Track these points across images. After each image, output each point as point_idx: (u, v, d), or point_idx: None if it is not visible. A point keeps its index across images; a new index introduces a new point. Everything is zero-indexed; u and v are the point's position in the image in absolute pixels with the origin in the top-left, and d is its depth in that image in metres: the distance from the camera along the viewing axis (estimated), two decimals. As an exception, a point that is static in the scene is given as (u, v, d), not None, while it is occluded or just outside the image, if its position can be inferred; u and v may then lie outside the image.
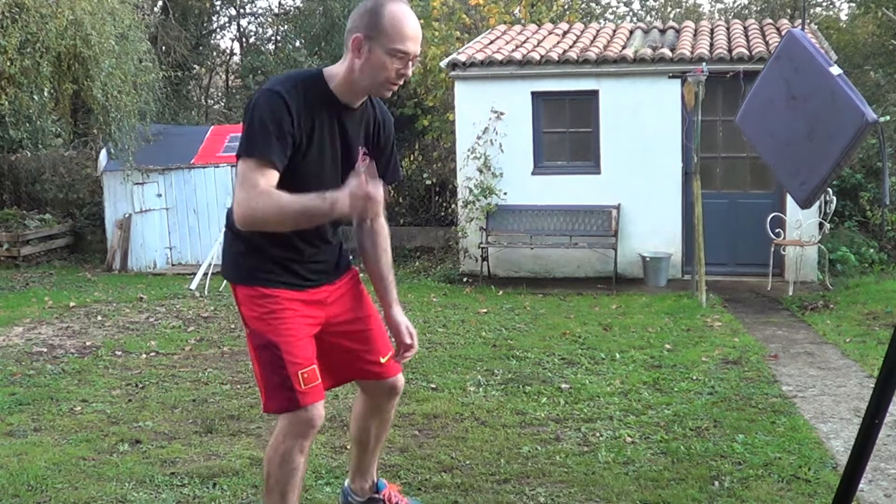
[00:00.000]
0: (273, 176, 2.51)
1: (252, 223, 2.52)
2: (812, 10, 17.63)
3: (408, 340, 2.91)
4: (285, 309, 2.70)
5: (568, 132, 10.52)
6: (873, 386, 2.35)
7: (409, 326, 2.93)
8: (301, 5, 19.97)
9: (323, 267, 2.82)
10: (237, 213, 2.52)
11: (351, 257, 3.00)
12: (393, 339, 2.98)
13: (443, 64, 10.88)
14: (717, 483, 3.70)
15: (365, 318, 2.92)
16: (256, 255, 2.71)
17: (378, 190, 2.36)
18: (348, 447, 4.20)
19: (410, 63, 2.58)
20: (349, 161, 2.70)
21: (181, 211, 11.90)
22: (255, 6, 22.79)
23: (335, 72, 2.65)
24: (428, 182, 12.89)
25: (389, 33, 2.52)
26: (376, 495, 3.20)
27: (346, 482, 3.27)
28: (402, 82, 2.64)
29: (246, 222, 2.52)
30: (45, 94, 10.56)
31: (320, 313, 2.80)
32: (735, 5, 20.66)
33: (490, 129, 10.28)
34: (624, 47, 10.48)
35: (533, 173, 10.35)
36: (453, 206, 10.83)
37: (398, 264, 11.51)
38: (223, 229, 2.87)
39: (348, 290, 2.92)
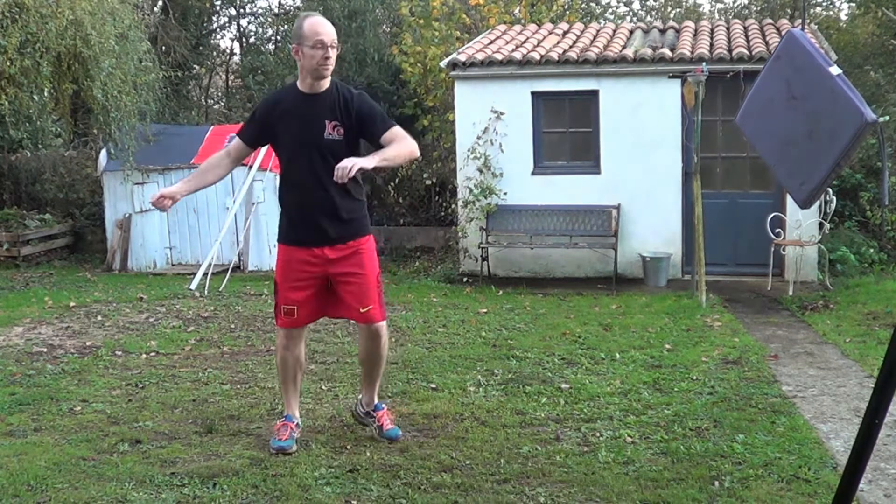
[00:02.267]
0: (239, 144, 4.22)
1: None
2: (812, 10, 17.62)
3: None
4: (287, 261, 4.14)
5: (568, 132, 10.52)
6: (873, 386, 2.35)
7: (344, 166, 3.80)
8: (301, 5, 19.95)
9: (320, 235, 4.06)
10: None
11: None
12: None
13: (443, 64, 10.88)
14: (717, 483, 3.70)
15: (359, 276, 4.10)
16: (281, 221, 4.22)
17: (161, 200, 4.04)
18: (349, 447, 4.22)
19: (330, 48, 3.94)
20: (314, 128, 4.02)
21: (181, 211, 11.88)
22: (255, 6, 22.72)
23: (299, 78, 4.08)
24: (428, 182, 12.88)
25: (308, 35, 3.94)
26: (373, 412, 4.38)
27: (360, 396, 4.50)
28: (330, 63, 3.96)
29: None
30: (45, 94, 10.55)
31: (318, 267, 4.09)
32: (735, 5, 20.63)
33: (490, 129, 10.28)
34: (624, 47, 10.48)
35: (533, 173, 10.35)
36: (453, 206, 10.82)
37: (398, 264, 11.52)
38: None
39: (351, 254, 4.10)
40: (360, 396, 4.47)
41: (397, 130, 4.09)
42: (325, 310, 4.28)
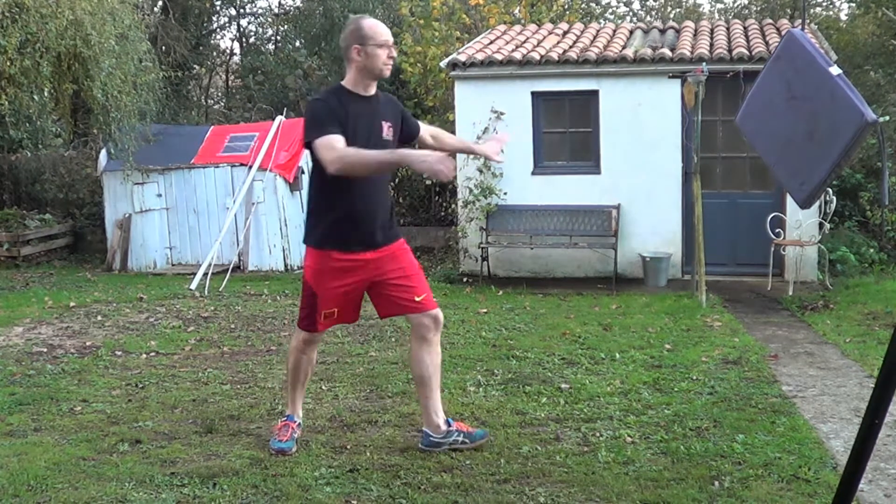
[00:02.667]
0: (342, 140, 3.77)
1: (345, 170, 3.74)
2: (812, 10, 17.62)
3: (494, 150, 4.27)
4: (328, 268, 4.01)
5: (568, 132, 10.52)
6: (873, 386, 2.35)
7: (486, 149, 4.30)
8: (301, 5, 19.95)
9: (369, 240, 4.01)
10: (334, 167, 3.72)
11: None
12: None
13: (443, 64, 10.88)
14: (717, 483, 3.70)
15: (402, 270, 4.08)
16: (321, 224, 4.00)
17: (446, 165, 3.55)
18: (349, 447, 4.21)
19: (392, 48, 3.98)
20: (375, 131, 4.01)
21: (181, 211, 11.89)
22: (255, 6, 22.75)
23: (347, 79, 4.02)
24: (428, 182, 12.88)
25: (372, 35, 3.93)
26: (451, 428, 4.16)
27: (424, 429, 4.20)
28: (391, 63, 4.01)
29: (342, 170, 3.73)
30: (45, 94, 10.54)
31: (359, 272, 4.03)
32: (735, 5, 20.63)
33: (490, 129, 10.28)
34: (624, 47, 10.48)
35: (533, 173, 10.35)
36: (453, 206, 10.83)
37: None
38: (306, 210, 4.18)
39: (390, 254, 4.07)
40: (425, 429, 4.18)
41: (424, 124, 4.45)
42: (358, 314, 4.26)
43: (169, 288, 9.80)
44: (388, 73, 4.01)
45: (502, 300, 8.81)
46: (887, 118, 10.35)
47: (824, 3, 18.81)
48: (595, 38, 11.17)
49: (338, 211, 3.95)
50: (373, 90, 4.05)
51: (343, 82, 4.04)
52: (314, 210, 4.05)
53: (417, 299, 4.07)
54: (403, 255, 4.14)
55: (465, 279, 10.18)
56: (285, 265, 11.41)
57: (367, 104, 4.01)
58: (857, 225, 10.64)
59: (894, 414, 3.83)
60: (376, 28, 3.96)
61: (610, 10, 19.88)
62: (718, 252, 9.73)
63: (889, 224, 10.43)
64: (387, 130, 4.06)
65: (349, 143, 3.81)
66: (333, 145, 3.73)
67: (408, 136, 4.26)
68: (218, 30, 20.92)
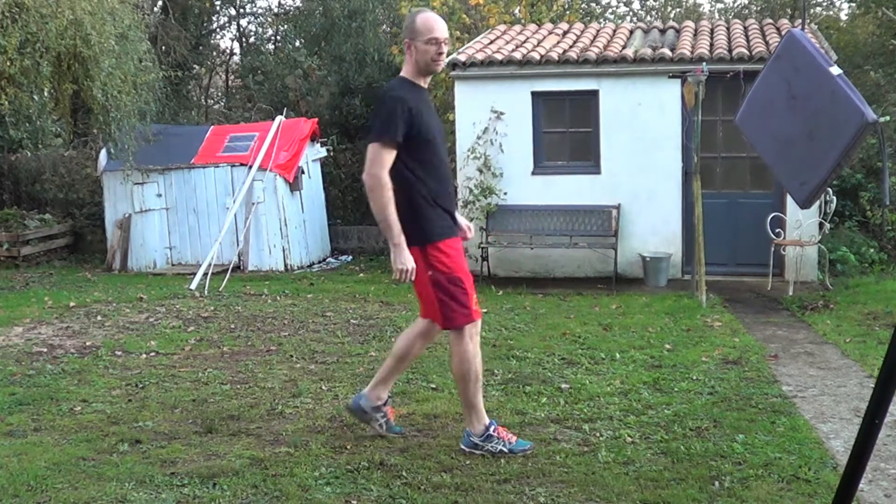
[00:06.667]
0: (391, 150, 3.91)
1: (370, 187, 3.95)
2: (812, 10, 17.62)
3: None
4: (459, 252, 4.19)
5: (568, 132, 10.51)
6: (873, 386, 2.35)
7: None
8: (301, 5, 19.94)
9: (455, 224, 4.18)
10: (368, 179, 3.92)
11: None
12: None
13: (443, 64, 10.86)
14: (717, 483, 3.70)
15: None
16: (435, 215, 4.07)
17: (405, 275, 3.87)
18: (349, 447, 4.21)
19: (444, 44, 3.95)
20: (439, 124, 4.19)
21: (181, 211, 11.89)
22: (255, 6, 22.74)
23: (407, 72, 4.05)
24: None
25: (422, 31, 3.93)
26: (384, 407, 4.32)
27: (364, 390, 4.36)
28: (443, 59, 4.01)
29: (370, 186, 3.94)
30: (45, 94, 10.54)
31: None
32: (735, 5, 20.63)
33: (490, 129, 10.28)
34: (624, 47, 10.47)
35: (533, 173, 10.35)
36: (453, 206, 10.82)
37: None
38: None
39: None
40: (365, 391, 4.35)
41: None
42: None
43: (169, 288, 9.80)
44: (437, 69, 4.04)
45: (502, 300, 8.81)
46: (887, 118, 10.35)
47: (824, 3, 18.81)
48: (595, 38, 11.16)
49: (435, 201, 4.08)
50: (425, 84, 4.11)
51: (404, 74, 4.07)
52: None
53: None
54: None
55: (465, 279, 10.17)
56: (285, 265, 11.40)
57: (428, 97, 4.13)
58: (857, 225, 10.63)
59: (894, 414, 3.82)
60: (428, 23, 3.94)
61: (610, 10, 19.89)
62: (718, 252, 9.73)
63: (889, 224, 10.43)
64: None
65: (424, 133, 3.94)
66: (386, 161, 3.87)
67: None
68: (218, 30, 20.90)
